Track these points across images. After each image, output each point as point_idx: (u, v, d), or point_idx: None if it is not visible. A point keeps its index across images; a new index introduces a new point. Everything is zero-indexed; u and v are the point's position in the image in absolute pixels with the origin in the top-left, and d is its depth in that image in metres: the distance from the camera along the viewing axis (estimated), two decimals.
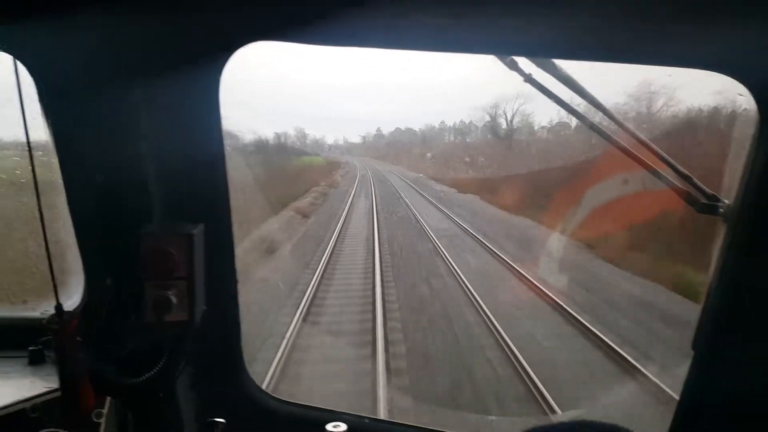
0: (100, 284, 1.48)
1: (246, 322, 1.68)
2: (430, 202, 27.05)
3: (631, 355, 7.57)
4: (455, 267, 13.29)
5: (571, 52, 1.27)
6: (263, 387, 1.76)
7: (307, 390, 6.95)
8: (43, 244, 1.29)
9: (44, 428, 1.36)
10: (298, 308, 9.90)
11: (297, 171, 35.32)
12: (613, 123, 1.35)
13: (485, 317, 9.68)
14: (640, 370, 7.16)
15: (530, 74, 1.28)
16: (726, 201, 1.35)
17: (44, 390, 1.37)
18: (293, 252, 15.33)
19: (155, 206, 1.47)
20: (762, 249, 1.30)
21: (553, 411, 6.23)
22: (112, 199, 1.43)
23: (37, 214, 1.29)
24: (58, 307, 1.29)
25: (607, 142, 1.37)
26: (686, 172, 1.33)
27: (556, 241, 15.61)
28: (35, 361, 1.50)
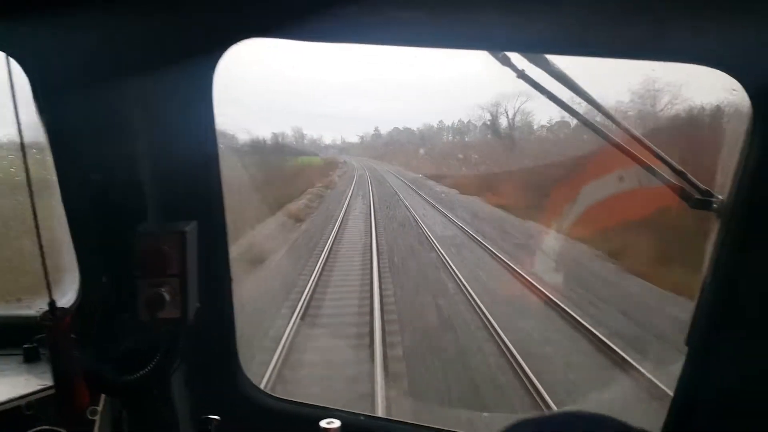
0: (94, 282, 1.53)
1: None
2: (432, 205, 26.45)
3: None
4: (465, 284, 11.79)
5: (564, 47, 1.32)
6: None
7: None
8: (41, 242, 1.33)
9: (39, 426, 1.40)
10: (275, 351, 7.62)
11: (293, 171, 35.27)
12: (606, 119, 1.40)
13: (511, 359, 7.66)
14: None
15: (523, 70, 1.33)
16: (720, 196, 1.40)
17: (39, 387, 1.42)
18: (280, 265, 14.12)
19: (149, 204, 1.52)
20: (755, 244, 1.35)
21: None
22: (107, 197, 1.48)
23: (31, 213, 1.33)
24: (51, 303, 1.33)
25: (601, 138, 1.43)
26: (680, 167, 1.39)
27: (572, 250, 14.69)
28: (30, 358, 1.55)
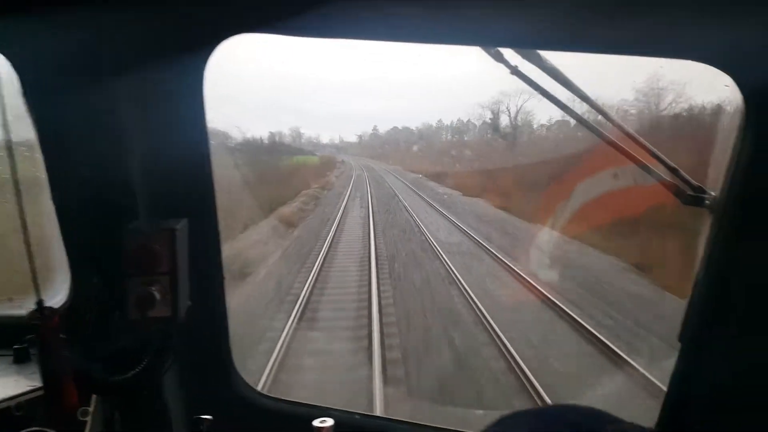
0: (85, 281, 1.58)
1: None
2: (435, 208, 25.81)
3: None
4: (480, 307, 10.25)
5: (557, 43, 1.37)
6: None
7: None
8: (28, 240, 1.37)
9: (29, 427, 1.43)
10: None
11: (288, 172, 35.16)
12: (599, 115, 1.45)
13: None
14: None
15: (516, 66, 1.39)
16: (712, 193, 1.46)
17: (29, 388, 1.45)
18: (266, 281, 12.92)
19: (140, 202, 1.57)
20: (747, 240, 1.41)
21: None
22: (97, 195, 1.52)
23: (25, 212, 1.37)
24: (39, 302, 1.37)
25: (594, 135, 1.48)
26: (673, 164, 1.44)
27: (592, 260, 13.71)
28: (20, 359, 1.59)
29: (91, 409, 1.52)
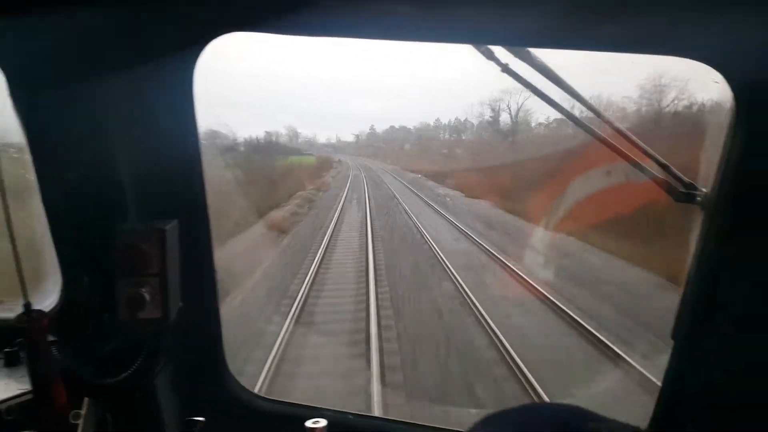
0: (76, 283, 1.64)
1: None
2: (436, 211, 25.37)
3: None
4: (499, 335, 8.95)
5: (547, 41, 1.43)
6: None
7: None
8: (17, 242, 1.43)
9: (20, 431, 1.48)
10: None
11: (283, 172, 35.18)
12: (590, 113, 1.52)
13: None
14: None
15: (507, 64, 1.45)
16: (704, 189, 1.53)
17: (19, 392, 1.51)
18: (246, 306, 11.20)
19: (130, 203, 1.63)
20: (739, 237, 1.48)
21: None
22: (88, 196, 1.58)
23: (17, 214, 1.43)
24: (27, 305, 1.42)
25: (585, 132, 1.55)
26: (664, 161, 1.51)
27: (623, 274, 12.70)
28: (11, 362, 1.64)
29: (83, 411, 1.57)
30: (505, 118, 37.77)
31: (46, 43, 1.44)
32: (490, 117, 39.65)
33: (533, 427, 1.05)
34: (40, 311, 1.47)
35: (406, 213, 24.76)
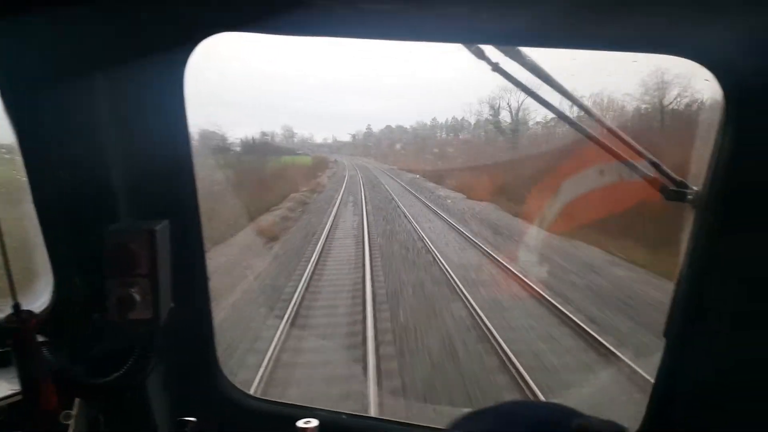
0: (68, 283, 1.71)
1: None
2: (438, 215, 24.66)
3: None
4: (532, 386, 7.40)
5: (537, 40, 1.51)
6: None
7: None
8: (6, 243, 1.48)
9: (10, 431, 1.55)
10: None
11: (276, 173, 35.03)
12: (581, 112, 1.61)
13: None
14: None
15: (497, 63, 1.54)
16: (695, 188, 1.61)
17: (9, 393, 1.57)
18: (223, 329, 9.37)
19: (122, 203, 1.70)
20: (729, 235, 1.56)
21: None
22: (79, 197, 1.65)
23: (8, 214, 1.49)
24: (16, 306, 1.48)
25: (577, 131, 1.64)
26: (655, 159, 1.60)
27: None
28: (2, 363, 1.69)
29: (74, 412, 1.63)
30: (505, 116, 38.08)
31: (36, 43, 1.50)
32: (490, 115, 39.94)
33: (514, 425, 1.08)
34: (29, 312, 1.52)
35: (406, 218, 24.16)
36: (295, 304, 11.73)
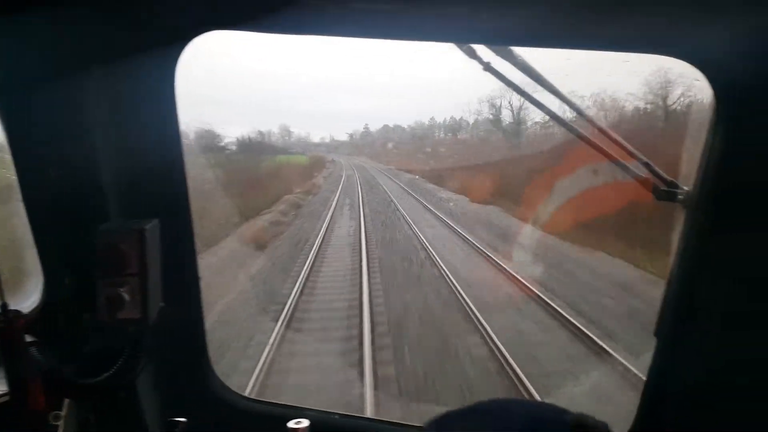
0: (57, 283, 1.77)
1: None
2: (441, 220, 23.94)
3: None
4: None
5: (529, 39, 1.59)
6: None
7: None
8: None
9: None
10: None
11: (270, 173, 34.79)
12: (572, 111, 1.69)
13: None
14: None
15: (489, 63, 1.62)
16: (685, 188, 1.70)
17: None
18: None
19: (112, 203, 1.77)
20: (720, 235, 1.65)
21: None
22: (69, 196, 1.72)
23: None
24: (3, 305, 1.52)
25: (568, 131, 1.72)
26: (646, 159, 1.68)
27: None
28: None
29: (63, 413, 1.70)
30: (506, 114, 38.28)
31: (25, 42, 1.56)
32: (491, 114, 40.12)
33: (508, 423, 1.11)
34: (16, 311, 1.58)
35: (407, 223, 23.52)
36: (274, 343, 9.99)
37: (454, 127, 55.43)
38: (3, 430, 1.61)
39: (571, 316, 10.67)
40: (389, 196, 33.77)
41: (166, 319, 1.75)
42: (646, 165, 1.69)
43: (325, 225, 22.69)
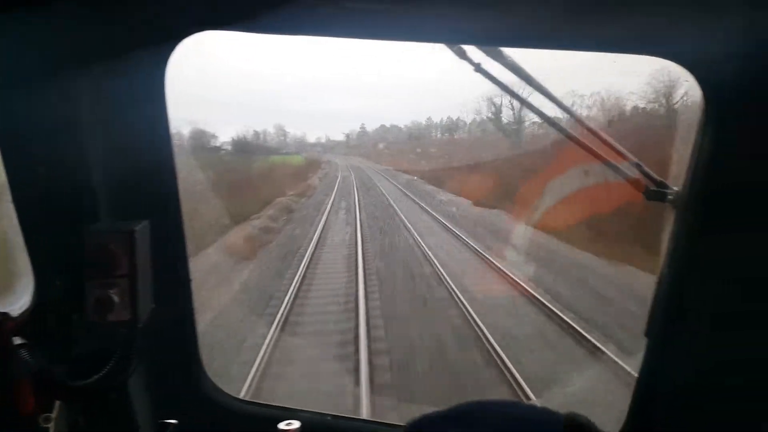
0: (48, 285, 1.84)
1: None
2: (444, 227, 23.08)
3: None
4: None
5: (518, 40, 1.66)
6: None
7: None
8: None
9: None
10: None
11: (263, 174, 34.65)
12: (563, 112, 1.78)
13: None
14: None
15: (479, 63, 1.70)
16: (675, 188, 1.78)
17: None
18: None
19: (102, 204, 1.84)
20: (709, 235, 1.73)
21: None
22: (59, 197, 1.78)
23: None
24: None
25: (558, 132, 1.81)
26: (636, 159, 1.77)
27: None
28: None
29: (53, 415, 1.76)
30: (506, 113, 38.45)
31: (16, 41, 1.59)
32: (491, 113, 40.29)
33: (505, 422, 1.13)
34: (4, 314, 1.65)
35: (407, 229, 22.74)
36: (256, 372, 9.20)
37: (451, 126, 56.19)
38: None
39: (623, 361, 9.04)
40: (387, 200, 33.54)
41: (158, 320, 1.82)
42: (636, 165, 1.77)
43: (318, 231, 22.00)
